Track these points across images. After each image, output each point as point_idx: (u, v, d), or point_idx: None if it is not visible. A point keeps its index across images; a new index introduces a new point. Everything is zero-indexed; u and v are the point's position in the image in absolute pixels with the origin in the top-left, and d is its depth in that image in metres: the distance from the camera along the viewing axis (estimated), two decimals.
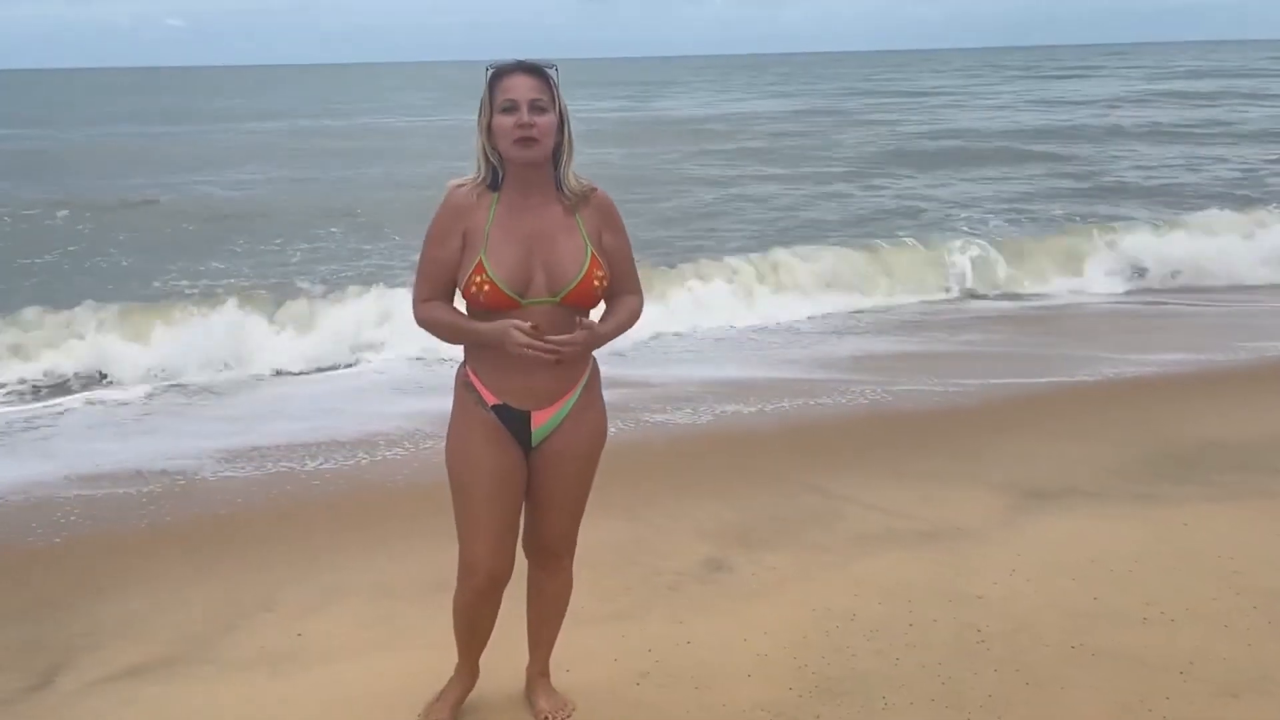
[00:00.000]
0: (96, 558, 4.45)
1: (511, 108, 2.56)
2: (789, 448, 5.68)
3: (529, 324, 2.56)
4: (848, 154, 22.59)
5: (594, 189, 2.72)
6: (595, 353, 2.83)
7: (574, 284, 2.60)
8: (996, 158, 21.12)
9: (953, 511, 4.67)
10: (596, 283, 2.65)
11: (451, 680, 3.12)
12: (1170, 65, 71.62)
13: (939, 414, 6.24)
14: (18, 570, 4.35)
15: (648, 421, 6.10)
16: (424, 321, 2.74)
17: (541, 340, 2.55)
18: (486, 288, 2.59)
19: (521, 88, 2.55)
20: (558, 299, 2.61)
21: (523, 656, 3.18)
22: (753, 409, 6.33)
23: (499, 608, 2.94)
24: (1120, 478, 5.10)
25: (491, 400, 2.72)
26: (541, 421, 2.74)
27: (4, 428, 6.31)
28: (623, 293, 2.81)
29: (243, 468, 5.54)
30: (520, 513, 2.84)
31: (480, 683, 3.15)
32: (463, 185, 2.69)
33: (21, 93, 74.81)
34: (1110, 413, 6.19)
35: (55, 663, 3.56)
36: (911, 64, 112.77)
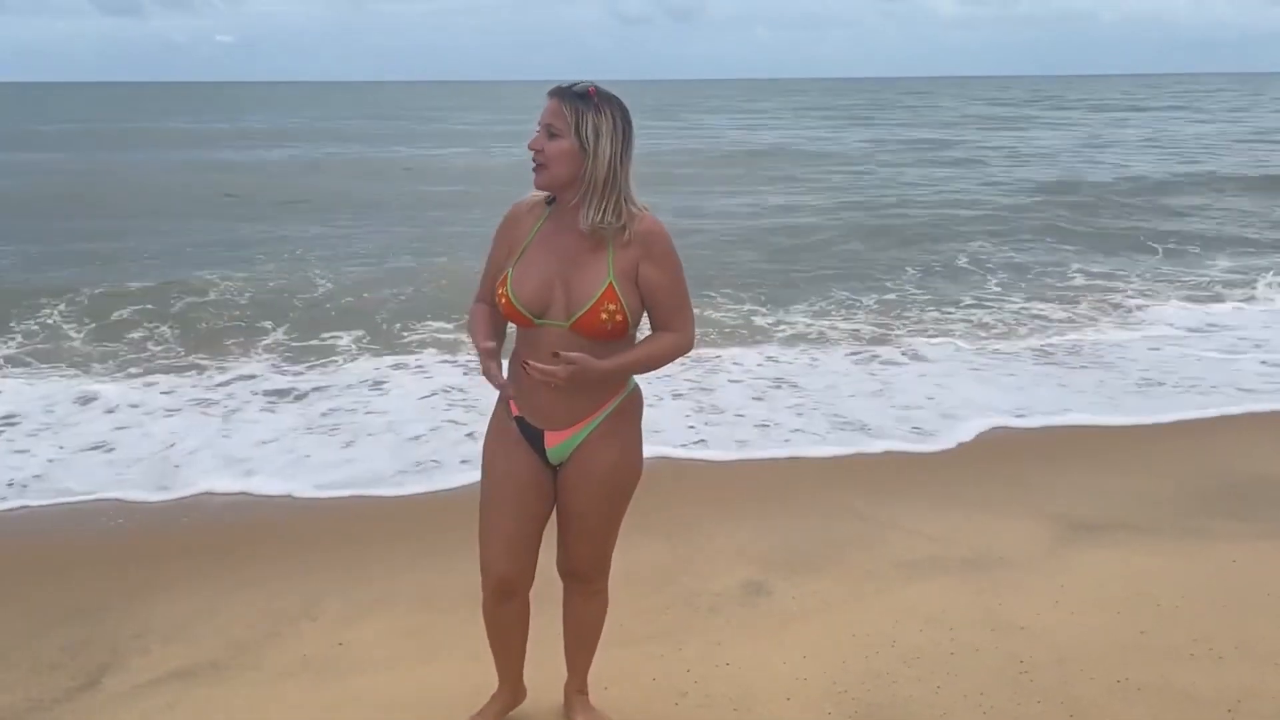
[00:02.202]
0: (143, 561, 4.53)
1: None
2: (832, 471, 5.65)
3: (528, 361, 2.57)
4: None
5: (632, 221, 2.58)
6: (640, 382, 2.82)
7: (581, 312, 2.58)
8: None
9: (996, 540, 4.63)
10: (604, 315, 2.57)
11: (493, 696, 3.13)
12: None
13: (983, 442, 6.18)
14: (68, 571, 4.44)
15: (688, 442, 6.10)
16: (469, 315, 2.85)
17: (540, 362, 2.53)
18: (504, 301, 2.64)
19: (545, 110, 2.55)
20: (568, 324, 2.61)
21: (562, 674, 3.18)
22: (797, 429, 6.31)
23: (526, 620, 2.95)
24: (1169, 512, 5.02)
25: (515, 412, 2.78)
26: (554, 442, 2.75)
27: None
28: (663, 328, 2.68)
29: (282, 468, 5.62)
30: (539, 524, 2.85)
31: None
32: (530, 197, 2.73)
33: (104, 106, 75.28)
34: (1158, 446, 6.10)
35: (103, 664, 3.63)
36: (959, 89, 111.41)
